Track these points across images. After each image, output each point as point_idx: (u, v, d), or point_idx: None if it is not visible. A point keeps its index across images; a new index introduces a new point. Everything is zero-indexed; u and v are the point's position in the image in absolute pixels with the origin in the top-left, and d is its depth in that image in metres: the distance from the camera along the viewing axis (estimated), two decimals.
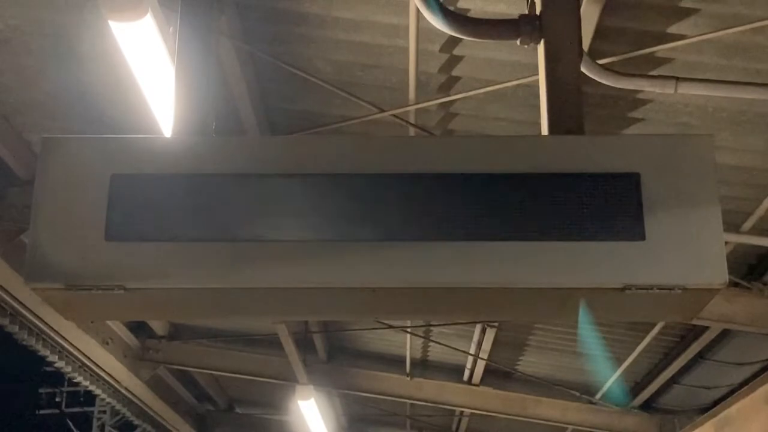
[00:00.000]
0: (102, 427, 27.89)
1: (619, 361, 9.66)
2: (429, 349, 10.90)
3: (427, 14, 3.53)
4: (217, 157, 2.97)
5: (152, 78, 4.26)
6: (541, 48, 3.16)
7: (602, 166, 2.82)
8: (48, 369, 20.04)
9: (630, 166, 2.80)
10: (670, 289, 2.69)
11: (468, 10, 4.88)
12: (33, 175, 3.80)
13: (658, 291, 2.70)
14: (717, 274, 2.68)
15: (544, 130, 3.08)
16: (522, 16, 3.25)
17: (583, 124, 3.07)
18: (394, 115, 5.73)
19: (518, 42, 3.26)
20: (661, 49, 4.88)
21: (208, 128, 3.32)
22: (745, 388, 8.46)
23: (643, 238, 2.72)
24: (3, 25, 5.57)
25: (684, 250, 2.74)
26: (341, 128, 6.01)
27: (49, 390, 27.56)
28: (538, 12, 3.22)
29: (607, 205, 2.77)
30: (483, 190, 2.79)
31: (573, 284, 2.74)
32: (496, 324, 9.12)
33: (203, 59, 3.39)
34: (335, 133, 6.09)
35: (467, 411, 12.22)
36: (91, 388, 11.70)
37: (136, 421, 14.42)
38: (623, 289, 2.70)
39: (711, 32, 4.63)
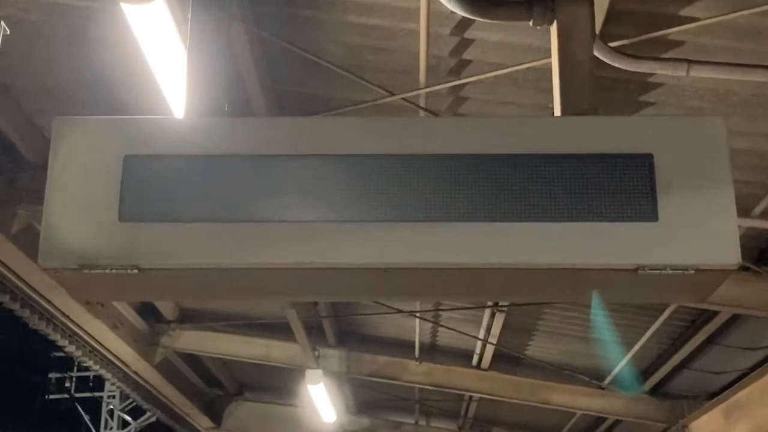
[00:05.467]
0: (111, 412, 27.98)
1: (628, 346, 9.62)
2: (438, 333, 10.94)
3: None
4: (230, 138, 2.99)
5: (164, 61, 4.26)
6: (554, 29, 3.18)
7: (615, 147, 2.83)
8: (57, 354, 20.14)
9: (643, 147, 2.81)
10: (683, 269, 2.70)
11: None
12: (43, 159, 3.80)
13: (670, 272, 2.71)
14: (730, 254, 2.70)
15: (557, 112, 3.10)
16: (537, 3, 3.25)
17: (596, 105, 3.07)
18: (404, 99, 5.71)
19: (531, 23, 3.28)
20: (672, 32, 4.82)
21: (220, 110, 3.33)
22: (755, 373, 8.52)
23: (656, 219, 2.73)
24: (14, 9, 5.47)
25: (697, 231, 2.76)
26: (351, 112, 5.95)
27: (59, 375, 27.67)
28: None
29: (620, 185, 2.79)
30: (496, 171, 2.81)
31: (586, 264, 2.75)
32: (505, 309, 9.10)
33: (215, 42, 3.42)
34: (346, 116, 6.00)
35: (476, 396, 12.26)
36: (101, 372, 11.75)
37: (146, 406, 14.49)
38: (636, 270, 2.71)
39: (722, 15, 4.58)
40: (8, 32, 3.26)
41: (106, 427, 27.16)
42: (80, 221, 2.86)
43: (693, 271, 2.72)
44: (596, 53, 4.57)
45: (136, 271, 2.80)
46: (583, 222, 2.76)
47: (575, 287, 3.04)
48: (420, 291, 3.55)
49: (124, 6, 3.75)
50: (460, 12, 3.62)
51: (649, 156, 2.80)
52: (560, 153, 2.84)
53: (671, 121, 3.09)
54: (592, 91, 3.10)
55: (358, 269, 2.84)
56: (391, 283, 3.08)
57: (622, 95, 5.54)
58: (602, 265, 2.76)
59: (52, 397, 26.86)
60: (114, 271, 2.80)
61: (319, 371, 10.65)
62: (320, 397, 11.20)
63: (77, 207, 2.87)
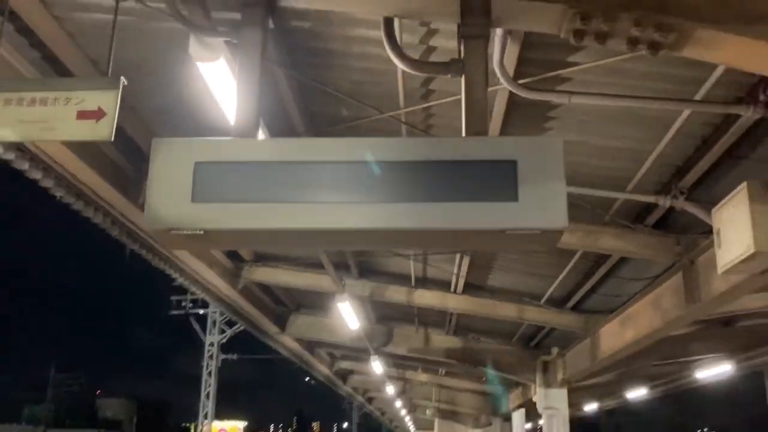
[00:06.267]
0: (214, 323, 28.47)
1: (554, 278, 9.82)
2: (427, 269, 10.93)
3: (392, 57, 3.68)
4: (262, 150, 3.10)
5: (223, 91, 4.28)
6: (463, 79, 3.23)
7: (495, 156, 2.93)
8: (175, 284, 20.55)
9: (511, 156, 2.91)
10: (532, 230, 2.86)
11: (413, 44, 4.87)
12: None
13: (525, 232, 2.87)
14: (560, 221, 2.84)
15: (463, 132, 3.17)
16: (451, 60, 3.33)
17: (488, 128, 3.15)
18: (391, 116, 5.82)
19: (449, 76, 3.37)
20: (564, 72, 4.91)
21: (257, 123, 3.37)
22: (638, 294, 8.66)
23: (516, 200, 2.86)
24: (136, 56, 5.51)
25: (541, 208, 2.85)
26: (356, 125, 6.05)
27: (178, 297, 28.19)
28: (461, 56, 3.26)
29: (496, 179, 2.90)
30: (420, 170, 2.93)
31: (476, 227, 2.89)
32: (469, 253, 9.18)
33: (254, 79, 3.38)
34: (352, 128, 6.11)
35: (455, 312, 12.29)
36: (203, 296, 12.10)
37: (234, 318, 14.82)
38: (504, 231, 2.87)
39: (597, 60, 4.70)
40: (126, 83, 3.46)
41: (210, 334, 27.65)
42: (168, 201, 2.98)
43: (539, 231, 2.86)
44: (510, 87, 4.81)
45: (202, 232, 2.95)
46: (473, 202, 2.88)
47: (471, 241, 3.26)
48: (376, 243, 3.69)
49: (198, 64, 3.85)
50: (405, 68, 3.72)
51: (514, 161, 2.90)
52: (462, 159, 2.93)
53: (529, 139, 3.29)
54: (486, 119, 3.15)
55: (339, 230, 2.95)
56: (359, 238, 3.21)
57: (537, 111, 5.56)
58: (485, 228, 2.89)
59: (173, 312, 27.35)
60: (188, 232, 2.96)
61: (345, 295, 10.73)
62: (347, 312, 11.28)
63: (166, 193, 2.99)
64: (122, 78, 3.38)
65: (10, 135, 3.35)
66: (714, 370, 14.73)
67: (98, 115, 3.32)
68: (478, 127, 3.16)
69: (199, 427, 27.37)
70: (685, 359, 14.63)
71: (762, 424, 24.44)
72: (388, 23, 3.58)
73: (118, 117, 3.42)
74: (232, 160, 3.03)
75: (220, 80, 4.09)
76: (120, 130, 6.48)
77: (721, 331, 12.19)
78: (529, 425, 16.69)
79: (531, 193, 2.88)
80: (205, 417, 26.97)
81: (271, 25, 3.49)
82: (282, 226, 2.96)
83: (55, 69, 5.56)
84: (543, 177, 2.90)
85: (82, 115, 3.33)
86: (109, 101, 3.34)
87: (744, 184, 4.91)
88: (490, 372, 19.99)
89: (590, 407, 25.44)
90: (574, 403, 23.52)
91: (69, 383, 66.66)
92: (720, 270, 5.31)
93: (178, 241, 3.11)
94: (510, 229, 2.88)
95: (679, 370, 16.56)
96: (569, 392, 14.57)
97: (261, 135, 3.69)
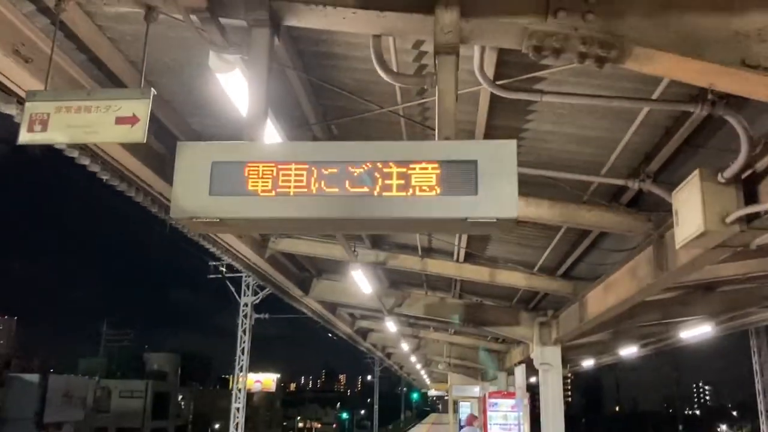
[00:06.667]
0: (248, 286, 29.07)
1: (544, 249, 10.02)
2: (432, 241, 11.09)
3: (378, 70, 3.94)
4: (266, 151, 3.31)
5: (238, 92, 4.45)
6: (437, 89, 3.43)
7: (460, 156, 3.16)
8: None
9: (473, 157, 3.14)
10: (489, 219, 3.10)
11: (407, 48, 5.01)
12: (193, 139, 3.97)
13: (483, 220, 3.11)
14: (512, 211, 3.10)
15: (436, 137, 3.36)
16: (427, 73, 3.61)
17: (455, 133, 3.33)
18: (390, 111, 6.03)
19: (425, 87, 3.67)
20: (537, 74, 5.05)
21: (264, 119, 3.61)
22: (617, 264, 8.94)
23: (476, 194, 3.10)
24: (168, 59, 5.80)
25: (496, 200, 3.09)
26: (361, 118, 6.24)
27: (214, 263, 28.75)
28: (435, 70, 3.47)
29: (460, 176, 3.13)
30: (406, 172, 3.17)
31: (444, 216, 3.14)
32: None
33: (262, 87, 3.60)
34: (357, 120, 6.30)
35: (458, 278, 12.50)
36: (234, 263, 12.49)
37: (263, 283, 15.19)
38: (465, 219, 3.12)
39: (567, 64, 4.75)
40: (155, 93, 3.76)
41: (244, 295, 28.25)
42: (190, 194, 3.25)
43: (495, 220, 3.10)
44: (488, 88, 5.05)
45: (218, 219, 3.23)
46: (441, 195, 3.12)
47: (441, 227, 3.50)
48: (366, 228, 3.91)
49: (217, 74, 4.13)
50: (389, 80, 3.99)
51: (475, 161, 3.12)
52: (432, 159, 3.15)
53: (489, 143, 3.48)
54: (454, 125, 3.34)
55: (330, 219, 3.21)
56: (351, 225, 3.58)
57: (517, 106, 5.75)
58: (450, 217, 3.13)
59: (210, 276, 27.93)
60: (206, 220, 3.24)
61: (358, 263, 11.01)
62: (360, 278, 11.59)
63: (188, 187, 3.26)
64: (152, 89, 3.71)
65: (60, 138, 3.71)
66: (696, 331, 14.98)
67: (133, 120, 3.66)
68: (447, 132, 3.39)
69: (236, 379, 28.09)
70: (671, 321, 14.86)
71: (749, 378, 24.85)
72: (377, 42, 3.86)
73: (157, 110, 3.67)
74: (242, 160, 3.28)
75: (236, 86, 4.37)
76: (156, 120, 6.81)
77: (703, 296, 12.49)
78: (533, 379, 17.07)
79: (488, 188, 3.13)
80: (241, 370, 27.69)
81: (276, 41, 3.78)
82: (283, 215, 3.24)
83: (100, 71, 5.91)
84: (499, 174, 3.14)
85: (120, 120, 3.67)
86: (142, 109, 3.67)
87: (696, 171, 5.15)
88: (482, 352, 20.40)
89: (588, 363, 25.92)
90: (573, 359, 23.97)
91: (119, 339, 68.34)
92: (677, 245, 5.58)
93: (199, 226, 3.38)
94: (471, 218, 3.13)
95: (666, 331, 16.80)
96: (568, 349, 14.89)
97: (268, 126, 4.01)
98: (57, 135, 3.70)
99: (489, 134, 6.09)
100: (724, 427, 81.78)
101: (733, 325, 15.71)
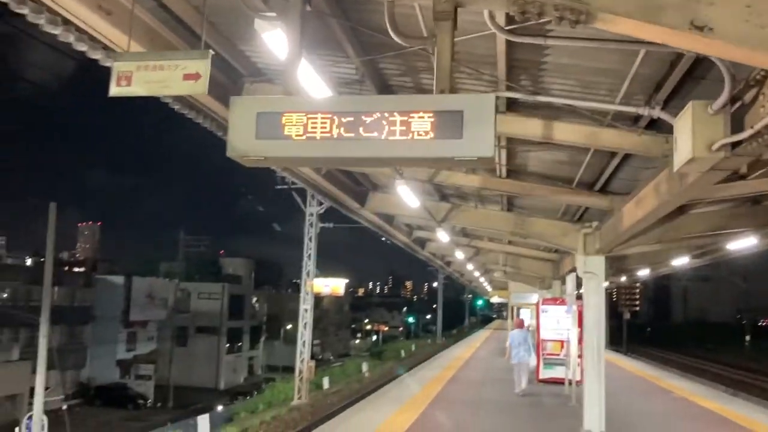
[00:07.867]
0: (313, 197, 30.30)
1: (579, 166, 10.61)
2: None
3: (389, 31, 4.71)
4: (299, 103, 4.06)
5: (279, 48, 5.05)
6: (435, 50, 4.07)
7: (450, 107, 3.79)
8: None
9: (459, 108, 3.76)
10: (471, 157, 3.78)
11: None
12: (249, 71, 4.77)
13: (468, 158, 3.83)
14: (489, 151, 3.76)
15: (434, 90, 3.94)
16: (429, 34, 4.36)
17: (449, 87, 3.96)
18: (421, 49, 6.34)
19: (430, 51, 4.42)
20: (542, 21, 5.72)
21: (297, 63, 4.34)
22: (644, 181, 9.52)
23: (461, 137, 3.72)
24: (226, 19, 6.29)
25: (477, 142, 3.74)
26: (396, 54, 6.81)
27: (282, 174, 30.05)
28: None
29: (446, 124, 3.75)
30: (408, 119, 3.86)
31: (436, 156, 3.83)
32: (505, 147, 10.04)
33: (297, 29, 4.37)
34: (392, 56, 6.99)
35: (501, 192, 13.03)
36: (294, 179, 13.52)
37: (321, 198, 16.09)
38: (453, 158, 3.83)
39: None
40: (213, 53, 4.63)
41: (309, 206, 29.64)
42: (241, 138, 3.95)
43: (476, 158, 3.78)
44: (499, 33, 5.71)
45: (263, 158, 4.00)
46: (435, 139, 3.80)
47: (435, 164, 4.34)
48: (379, 164, 4.66)
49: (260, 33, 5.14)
50: (398, 41, 4.63)
51: (461, 111, 3.71)
52: (428, 110, 3.79)
53: (473, 97, 4.08)
54: (449, 80, 3.95)
55: (348, 157, 4.03)
56: (365, 162, 4.38)
57: (534, 56, 6.25)
58: (443, 156, 3.80)
59: (278, 187, 29.31)
60: (254, 158, 3.98)
61: (403, 180, 11.77)
62: (406, 193, 12.35)
63: (240, 133, 3.93)
64: (210, 51, 4.66)
65: (141, 91, 4.74)
66: (742, 243, 15.39)
67: (196, 77, 4.64)
68: (443, 86, 4.08)
69: (304, 283, 29.90)
70: (719, 232, 15.27)
71: None
72: (390, 6, 4.62)
73: (219, 47, 4.32)
74: (280, 111, 4.07)
75: (277, 42, 5.19)
76: (222, 59, 7.83)
77: (750, 209, 12.89)
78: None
79: (471, 133, 3.83)
80: (308, 275, 29.51)
81: (308, 7, 4.61)
82: (311, 155, 4.09)
83: (178, 22, 6.78)
84: (479, 122, 3.84)
85: (187, 77, 4.66)
86: (203, 67, 4.65)
87: (690, 103, 5.77)
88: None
89: (644, 272, 26.57)
90: (626, 269, 24.58)
91: (196, 245, 72.34)
92: (674, 168, 6.26)
93: (249, 161, 4.20)
94: (457, 157, 3.89)
95: (715, 242, 17.19)
96: (621, 259, 15.30)
97: (308, 70, 4.79)
98: (138, 88, 4.74)
99: (511, 65, 6.76)
100: None
101: None
